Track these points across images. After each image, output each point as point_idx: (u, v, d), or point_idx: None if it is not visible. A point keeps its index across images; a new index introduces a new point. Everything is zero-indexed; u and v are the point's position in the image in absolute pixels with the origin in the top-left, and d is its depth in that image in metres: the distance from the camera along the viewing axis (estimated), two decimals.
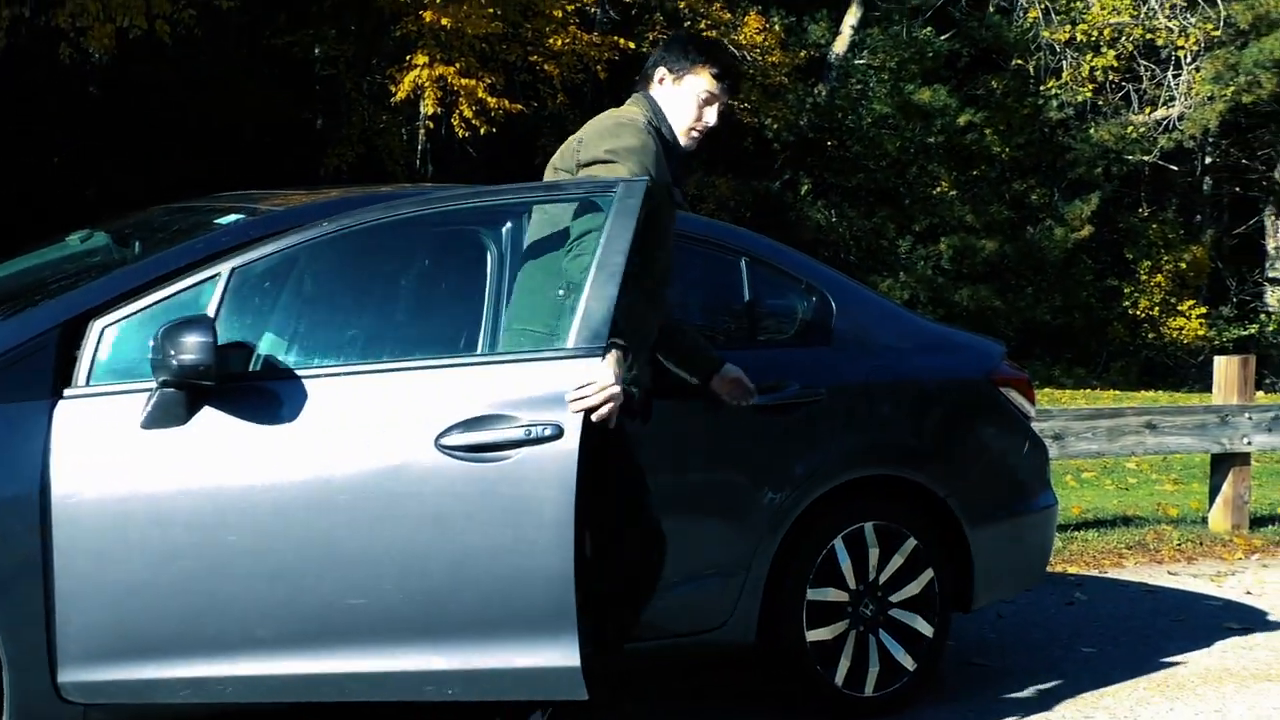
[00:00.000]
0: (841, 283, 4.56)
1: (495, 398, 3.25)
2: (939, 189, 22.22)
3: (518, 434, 3.19)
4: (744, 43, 18.44)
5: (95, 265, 3.88)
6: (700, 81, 3.66)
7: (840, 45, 21.58)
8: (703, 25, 17.88)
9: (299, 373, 3.33)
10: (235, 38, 16.80)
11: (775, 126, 20.30)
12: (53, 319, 3.37)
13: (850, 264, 20.19)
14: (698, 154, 3.81)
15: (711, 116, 3.68)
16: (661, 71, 3.68)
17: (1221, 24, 20.12)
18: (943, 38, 22.44)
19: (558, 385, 3.21)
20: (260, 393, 3.29)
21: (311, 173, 16.10)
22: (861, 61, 22.01)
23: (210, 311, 3.33)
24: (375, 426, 3.26)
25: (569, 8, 15.54)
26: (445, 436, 3.20)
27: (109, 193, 14.51)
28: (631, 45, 16.33)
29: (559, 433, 3.17)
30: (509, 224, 3.65)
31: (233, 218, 3.79)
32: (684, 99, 3.66)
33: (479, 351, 3.49)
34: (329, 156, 16.73)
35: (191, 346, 3.13)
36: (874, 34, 22.07)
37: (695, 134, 3.67)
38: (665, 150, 3.62)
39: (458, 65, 14.67)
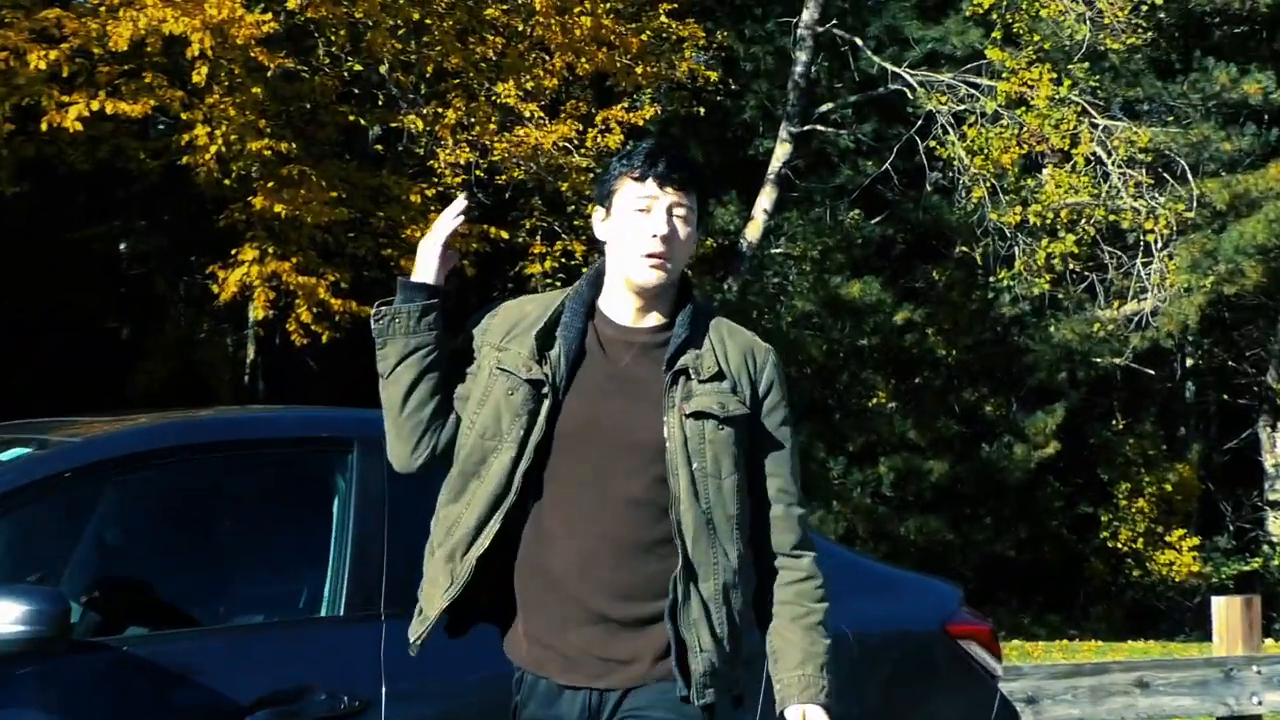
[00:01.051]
0: None
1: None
2: (875, 400, 22.56)
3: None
4: None
5: None
6: (625, 192, 3.44)
7: (753, 232, 22.05)
8: (590, 209, 18.25)
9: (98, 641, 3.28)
10: (25, 232, 16.83)
11: None
12: None
13: None
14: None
15: (654, 224, 3.39)
16: (598, 215, 3.53)
17: (1195, 204, 20.94)
18: (873, 221, 23.02)
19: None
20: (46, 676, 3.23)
21: (118, 390, 15.99)
22: (778, 250, 22.49)
23: None
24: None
25: (428, 193, 15.82)
26: None
27: None
28: (504, 235, 16.65)
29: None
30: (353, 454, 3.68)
31: (16, 452, 3.76)
32: (620, 224, 3.44)
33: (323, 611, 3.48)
34: (136, 372, 16.66)
35: None
36: (792, 218, 22.59)
37: (651, 257, 3.37)
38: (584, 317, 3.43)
39: (294, 261, 14.79)
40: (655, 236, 3.37)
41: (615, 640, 3.25)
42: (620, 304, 3.44)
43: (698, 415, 3.30)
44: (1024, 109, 19.68)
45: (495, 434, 3.30)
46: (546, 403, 3.30)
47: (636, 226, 3.40)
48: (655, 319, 3.43)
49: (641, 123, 18.30)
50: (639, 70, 16.63)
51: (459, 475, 3.33)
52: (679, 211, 3.42)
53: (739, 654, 3.32)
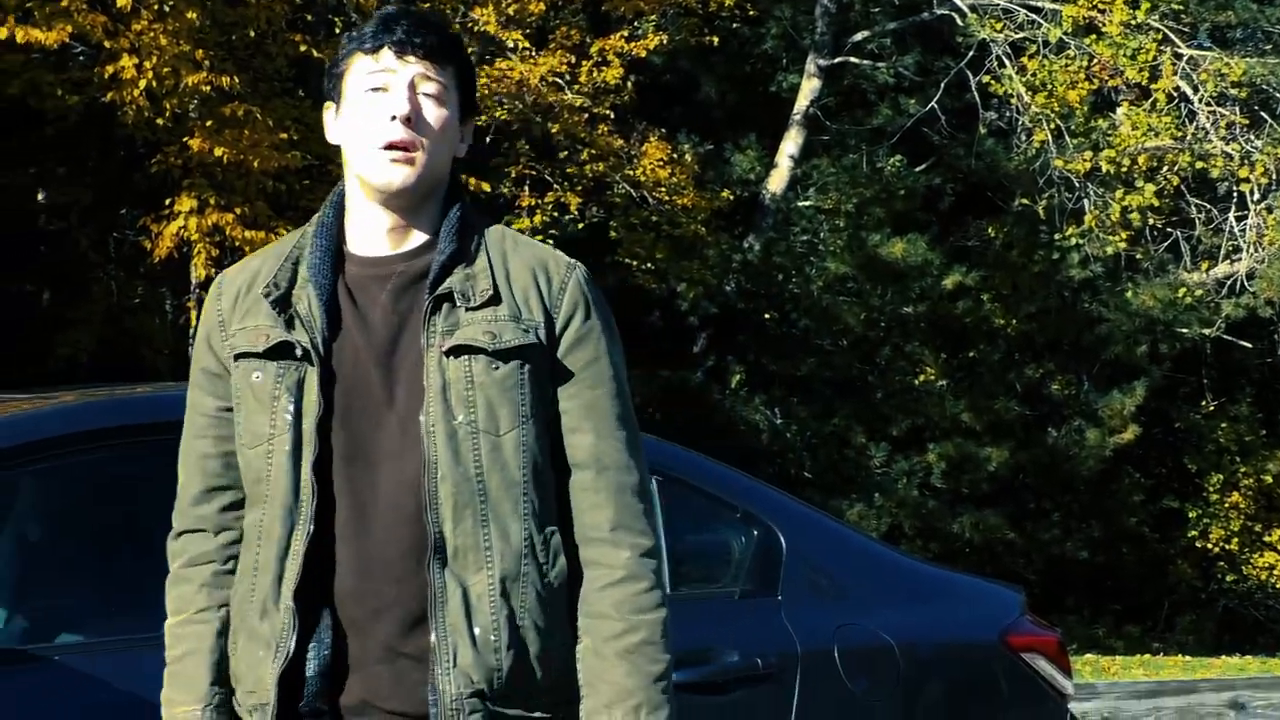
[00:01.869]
0: (791, 509, 4.61)
1: None
2: (922, 377, 22.56)
3: None
4: (643, 179, 18.86)
5: None
6: (356, 70, 3.06)
7: (777, 182, 22.05)
8: (585, 155, 18.26)
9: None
10: None
11: (691, 294, 20.59)
12: None
13: (804, 482, 20.31)
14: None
15: (392, 102, 3.00)
16: (329, 115, 3.16)
17: None
18: (917, 169, 22.99)
19: None
20: None
21: (39, 364, 16.02)
22: (807, 203, 22.48)
23: None
24: None
25: None
26: None
27: None
28: (486, 186, 16.67)
29: None
30: None
31: None
32: (352, 112, 3.06)
33: None
34: (59, 344, 16.69)
35: None
36: (822, 166, 22.58)
37: (392, 148, 2.99)
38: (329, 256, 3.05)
39: (239, 212, 14.80)
40: (394, 119, 2.99)
41: (406, 682, 2.89)
42: (369, 229, 3.05)
43: (459, 351, 2.92)
44: (1094, 37, 19.65)
45: (258, 436, 2.96)
46: (311, 369, 2.94)
47: (370, 110, 3.02)
48: (417, 240, 3.05)
49: (643, 54, 18.30)
50: None
51: (248, 507, 3.01)
52: (428, 88, 3.03)
53: (534, 677, 2.92)
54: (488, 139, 18.22)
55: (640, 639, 2.95)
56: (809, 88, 21.60)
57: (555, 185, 18.26)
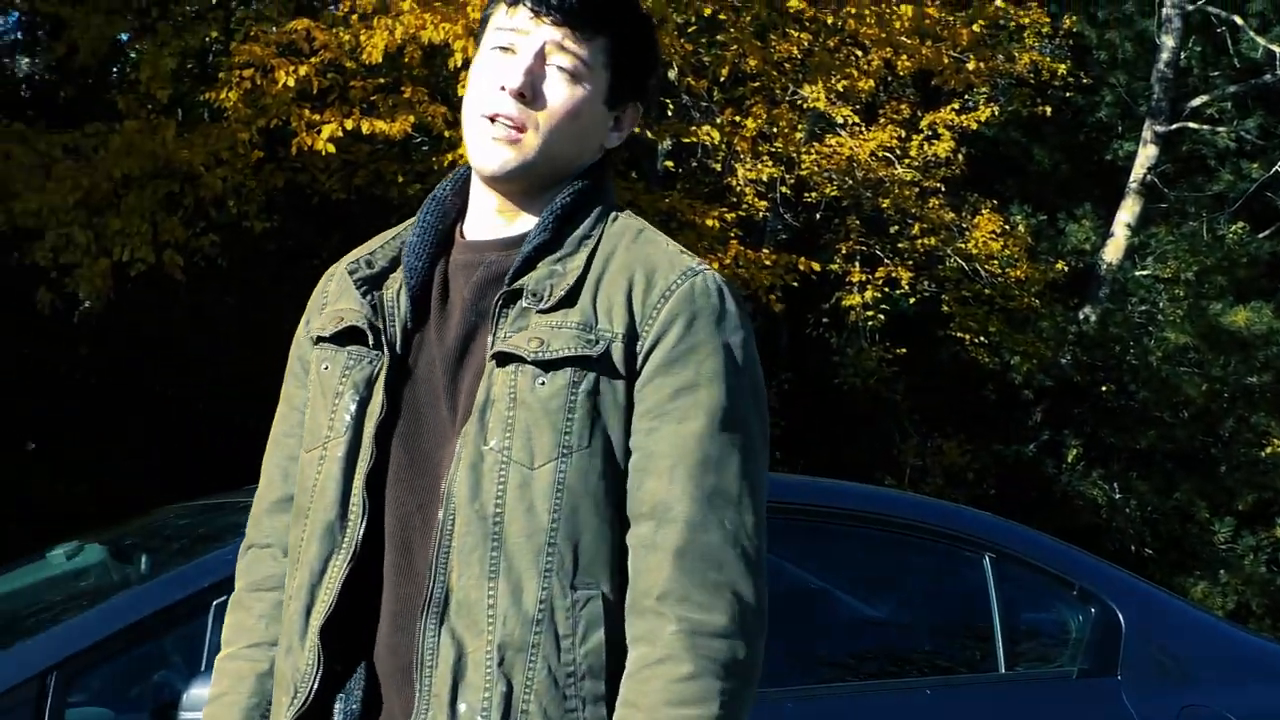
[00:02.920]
0: (1133, 586, 4.53)
1: None
2: (1269, 449, 21.96)
3: None
4: (975, 251, 18.72)
5: (85, 592, 4.00)
6: (490, 29, 2.58)
7: (1113, 252, 21.73)
8: (916, 229, 18.20)
9: None
10: (276, 273, 17.49)
11: (1025, 367, 20.37)
12: (25, 670, 3.47)
13: (1145, 559, 19.92)
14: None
15: (509, 70, 2.50)
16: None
17: None
18: (1260, 235, 22.50)
19: None
20: None
21: None
22: (1145, 272, 22.11)
23: None
24: None
25: (727, 216, 15.96)
26: None
27: (106, 491, 14.98)
28: (815, 267, 16.69)
29: None
30: None
31: None
32: (476, 74, 2.58)
33: None
34: None
35: None
36: (1160, 234, 22.22)
37: (494, 121, 2.50)
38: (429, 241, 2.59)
39: None
40: (504, 89, 2.48)
41: None
42: (479, 209, 2.59)
43: (504, 359, 2.41)
44: None
45: (315, 436, 2.52)
46: (383, 363, 2.49)
47: (489, 73, 2.52)
48: (523, 226, 2.55)
49: (975, 126, 18.20)
50: (971, 66, 16.51)
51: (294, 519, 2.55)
52: (561, 60, 2.50)
53: None
54: (817, 215, 18.30)
55: None
56: (1145, 155, 21.24)
57: (886, 260, 18.24)
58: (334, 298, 2.59)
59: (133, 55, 16.43)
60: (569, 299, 2.42)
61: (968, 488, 19.27)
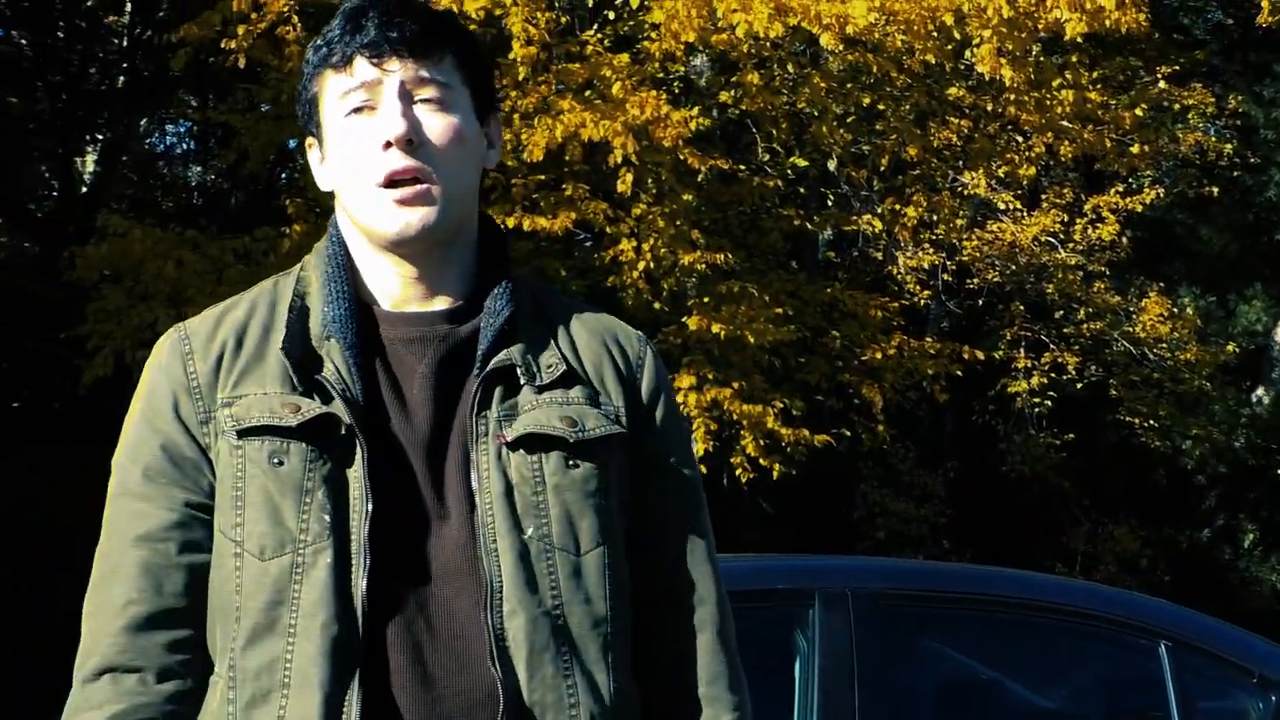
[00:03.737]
0: None
1: None
2: None
3: None
4: (1142, 335, 18.50)
5: None
6: (330, 92, 2.38)
7: None
8: (1081, 313, 18.04)
9: None
10: None
11: (1197, 451, 20.07)
12: None
13: None
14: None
15: (383, 124, 2.31)
16: (313, 157, 2.49)
17: None
18: None
19: None
20: None
21: None
22: None
23: None
24: None
25: (890, 306, 15.91)
26: None
27: None
28: (979, 355, 16.58)
29: None
30: None
31: None
32: (337, 146, 2.38)
33: None
34: None
35: None
36: None
37: (395, 186, 2.32)
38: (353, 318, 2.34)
39: (735, 386, 15.07)
40: (389, 144, 2.29)
41: None
42: (389, 280, 2.38)
43: (530, 442, 2.28)
44: None
45: (282, 542, 2.24)
46: (358, 452, 2.26)
47: (357, 140, 2.32)
48: (454, 290, 2.39)
49: (1140, 208, 18.03)
50: (1134, 149, 16.38)
51: (245, 649, 2.25)
52: (425, 93, 2.33)
53: None
54: (979, 301, 18.19)
55: None
56: None
57: (1052, 345, 18.07)
58: (234, 377, 2.31)
59: (301, 160, 16.78)
60: (569, 377, 2.34)
61: (1141, 574, 18.98)
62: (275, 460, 2.23)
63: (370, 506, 2.21)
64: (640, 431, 2.37)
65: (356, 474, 2.23)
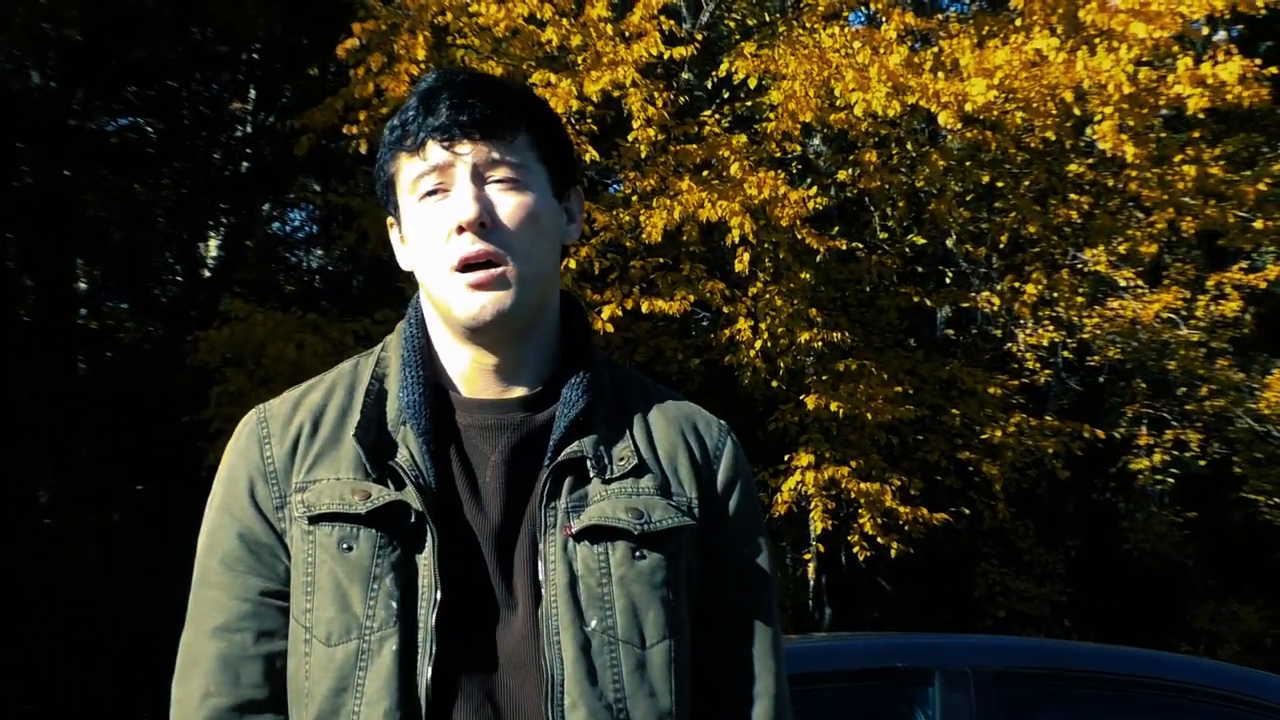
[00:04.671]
0: None
1: None
2: None
3: None
4: (1267, 411, 18.26)
5: None
6: (404, 176, 2.39)
7: None
8: (1204, 390, 17.85)
9: None
10: None
11: None
12: None
13: None
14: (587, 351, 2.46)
15: (454, 208, 2.31)
16: (394, 237, 2.51)
17: None
18: None
19: None
20: None
21: None
22: None
23: None
24: None
25: (1009, 384, 15.82)
26: None
27: None
28: (1100, 434, 16.43)
29: None
30: None
31: None
32: (414, 230, 2.38)
33: None
34: None
35: None
36: None
37: (469, 270, 2.31)
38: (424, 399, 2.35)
39: (854, 465, 15.02)
40: (461, 230, 2.29)
41: None
42: (467, 366, 2.38)
43: (595, 534, 2.26)
44: None
45: (348, 628, 2.23)
46: (428, 539, 2.25)
47: (430, 224, 2.32)
48: (535, 378, 2.38)
49: (1263, 285, 17.83)
50: (1258, 224, 16.22)
51: None
52: (497, 174, 2.31)
53: None
54: (1100, 379, 18.05)
55: None
56: None
57: (1174, 423, 17.88)
58: (309, 462, 2.32)
59: None
60: (639, 468, 2.31)
61: (1267, 654, 18.66)
62: (345, 546, 2.23)
63: (439, 594, 2.20)
64: (712, 520, 2.34)
65: (426, 561, 2.22)
